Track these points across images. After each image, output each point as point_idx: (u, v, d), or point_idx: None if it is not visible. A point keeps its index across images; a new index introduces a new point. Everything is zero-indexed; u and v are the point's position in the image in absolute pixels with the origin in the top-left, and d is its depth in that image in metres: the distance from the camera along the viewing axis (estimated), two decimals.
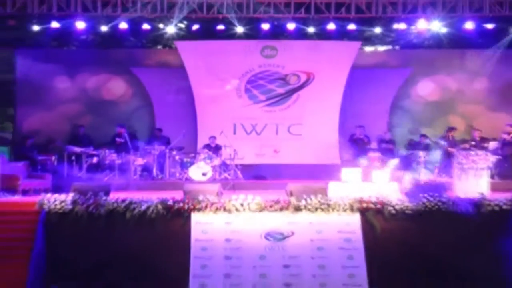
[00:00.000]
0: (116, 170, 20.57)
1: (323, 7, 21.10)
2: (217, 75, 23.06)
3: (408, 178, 19.58)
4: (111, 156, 20.72)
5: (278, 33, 22.59)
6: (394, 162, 19.20)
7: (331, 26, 21.55)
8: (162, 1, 20.97)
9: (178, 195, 15.57)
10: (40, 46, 22.61)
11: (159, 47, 24.67)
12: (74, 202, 15.05)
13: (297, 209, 15.07)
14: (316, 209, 15.05)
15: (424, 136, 22.37)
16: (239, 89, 23.21)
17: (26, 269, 14.06)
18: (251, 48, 23.16)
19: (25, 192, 17.58)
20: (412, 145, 22.37)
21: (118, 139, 21.59)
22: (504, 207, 15.18)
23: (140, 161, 20.93)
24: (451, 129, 21.95)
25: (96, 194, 15.27)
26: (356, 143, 21.94)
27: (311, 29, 22.20)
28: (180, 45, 22.99)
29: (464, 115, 23.52)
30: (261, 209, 15.07)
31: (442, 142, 21.57)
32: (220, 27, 22.05)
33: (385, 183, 16.82)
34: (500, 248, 15.05)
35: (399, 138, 22.93)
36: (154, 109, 23.42)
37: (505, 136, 21.16)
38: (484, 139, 21.23)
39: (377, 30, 22.25)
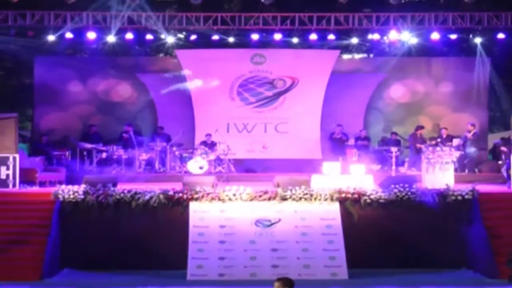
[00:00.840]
0: (123, 164, 20.43)
1: (306, 20, 21.04)
2: (213, 79, 22.90)
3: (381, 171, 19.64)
4: (118, 152, 20.59)
5: (266, 42, 22.48)
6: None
7: (313, 36, 21.47)
8: (164, 15, 20.92)
9: (177, 186, 15.57)
10: (56, 54, 22.48)
11: (161, 55, 24.55)
12: (85, 193, 15.06)
13: (283, 198, 15.08)
14: (300, 198, 15.07)
15: (394, 133, 22.32)
16: (232, 92, 23.07)
17: (42, 252, 14.01)
18: (242, 56, 22.99)
19: (42, 184, 17.45)
20: (385, 142, 22.30)
21: (124, 135, 21.50)
22: (466, 197, 15.23)
23: (144, 156, 20.81)
24: (420, 127, 21.85)
25: (105, 185, 15.28)
26: (335, 141, 21.82)
27: (295, 39, 22.12)
28: (180, 53, 22.82)
29: (431, 115, 23.41)
30: (252, 199, 15.09)
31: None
32: (215, 37, 21.97)
33: (361, 176, 16.75)
34: (462, 233, 15.07)
35: (373, 136, 22.82)
36: (157, 109, 23.24)
37: (467, 134, 21.11)
38: (450, 137, 21.16)
39: (354, 40, 22.10)
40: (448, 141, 20.42)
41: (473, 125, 21.39)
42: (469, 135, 21.05)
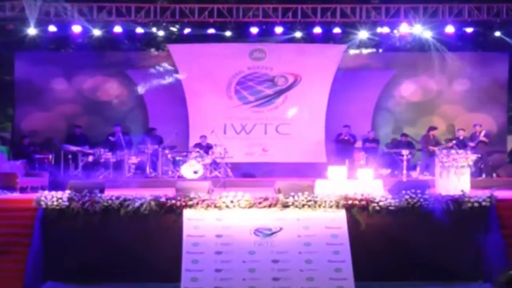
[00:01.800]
0: (111, 169, 20.42)
1: (309, 12, 21.07)
2: (208, 77, 22.90)
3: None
4: (106, 155, 20.55)
5: (266, 36, 22.45)
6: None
7: (317, 30, 21.49)
8: (155, 6, 20.92)
9: (170, 192, 15.49)
10: (38, 48, 22.47)
11: (153, 50, 24.54)
12: (70, 199, 14.98)
13: (285, 205, 15.01)
14: (303, 205, 14.99)
15: (405, 135, 22.30)
16: (229, 90, 23.08)
17: (24, 264, 13.96)
18: (241, 51, 23.02)
19: (23, 190, 17.42)
20: (395, 144, 22.29)
21: (110, 138, 21.48)
22: (483, 203, 15.14)
23: (134, 159, 20.79)
24: (432, 128, 21.80)
25: (92, 191, 15.20)
26: (342, 143, 21.80)
27: (298, 33, 22.14)
28: (173, 48, 22.86)
29: (445, 115, 23.42)
30: (251, 206, 15.01)
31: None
32: (211, 30, 21.97)
33: (369, 181, 16.70)
34: (479, 243, 15.02)
35: (382, 137, 22.82)
36: (148, 109, 23.26)
37: (479, 135, 21.02)
38: (466, 139, 21.10)
39: (361, 34, 22.09)
40: (464, 144, 20.34)
41: (480, 125, 21.34)
42: (481, 137, 20.95)
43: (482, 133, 21.04)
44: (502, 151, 22.75)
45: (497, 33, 21.77)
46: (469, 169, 17.02)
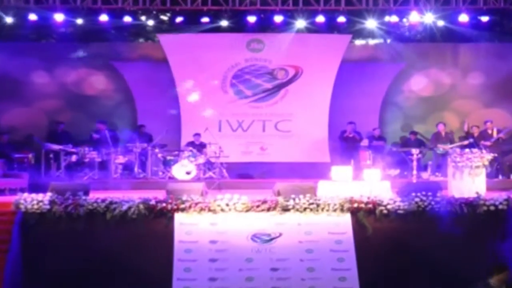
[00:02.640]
0: (96, 169, 20.39)
1: None
2: (202, 69, 22.88)
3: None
4: (90, 154, 20.51)
5: (265, 26, 22.50)
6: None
7: (320, 18, 21.47)
8: None
9: (160, 194, 15.47)
10: (17, 39, 22.40)
11: (141, 40, 24.51)
12: (52, 202, 14.92)
13: (285, 209, 14.97)
14: (305, 209, 14.95)
15: (414, 132, 22.28)
16: (224, 84, 23.06)
17: (1, 272, 13.93)
18: (237, 41, 23.03)
19: (0, 192, 17.38)
20: (404, 142, 22.27)
21: (94, 135, 21.42)
22: (500, 207, 15.10)
23: (121, 159, 20.76)
24: (439, 124, 21.76)
25: (75, 193, 15.14)
26: (346, 141, 21.77)
27: (299, 22, 22.08)
28: (163, 38, 22.86)
29: (458, 111, 23.43)
30: (248, 210, 14.98)
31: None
32: (205, 19, 21.93)
33: (376, 182, 16.67)
34: (495, 249, 15.00)
35: (391, 135, 22.82)
36: (136, 104, 23.25)
37: (502, 135, 21.01)
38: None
39: (368, 22, 22.06)
40: (479, 141, 20.35)
41: (491, 122, 21.32)
42: (500, 133, 20.94)
43: (495, 130, 21.03)
44: None
45: None
46: (484, 170, 17.00)
